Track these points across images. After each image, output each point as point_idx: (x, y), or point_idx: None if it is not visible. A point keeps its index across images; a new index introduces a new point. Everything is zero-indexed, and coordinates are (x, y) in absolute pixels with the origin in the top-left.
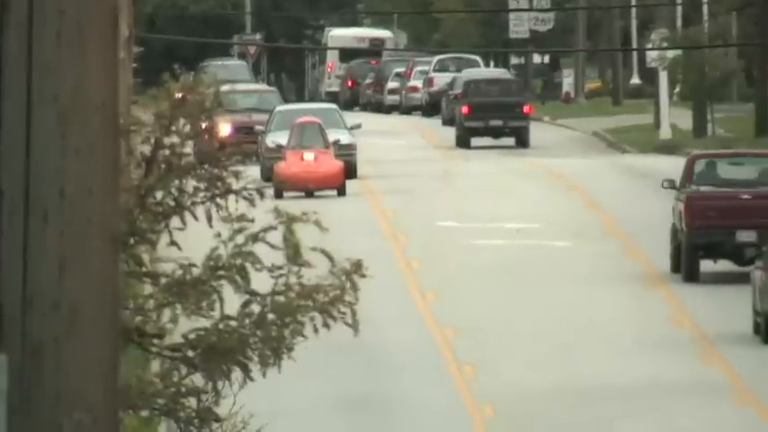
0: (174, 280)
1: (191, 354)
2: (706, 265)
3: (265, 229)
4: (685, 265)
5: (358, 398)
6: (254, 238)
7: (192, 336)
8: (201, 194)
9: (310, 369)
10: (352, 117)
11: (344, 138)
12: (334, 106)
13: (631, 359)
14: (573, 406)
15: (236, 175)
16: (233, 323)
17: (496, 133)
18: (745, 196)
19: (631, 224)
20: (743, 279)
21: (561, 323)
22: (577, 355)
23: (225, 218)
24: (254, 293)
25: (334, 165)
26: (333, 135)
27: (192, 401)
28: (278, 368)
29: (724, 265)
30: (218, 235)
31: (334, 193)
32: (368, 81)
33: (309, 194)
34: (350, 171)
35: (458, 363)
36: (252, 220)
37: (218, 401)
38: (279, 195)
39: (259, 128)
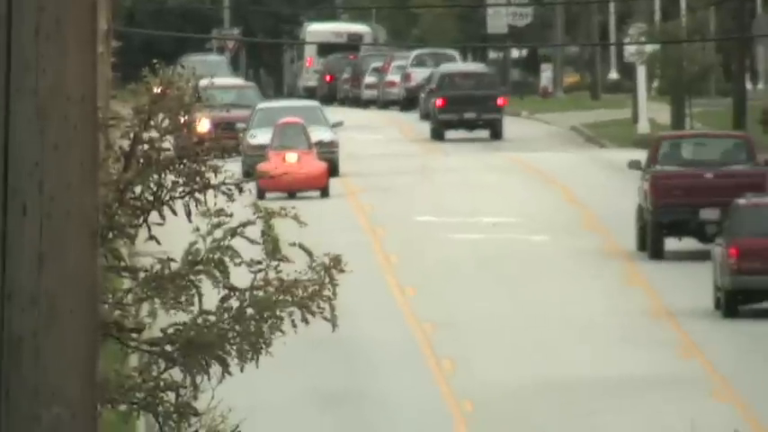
0: (152, 274)
1: (169, 348)
2: (671, 243)
3: (244, 224)
4: (651, 243)
5: (336, 393)
6: (233, 232)
7: (170, 330)
8: (180, 189)
9: (289, 364)
10: (332, 113)
11: (327, 135)
12: (316, 104)
13: (608, 353)
14: (551, 401)
15: (215, 170)
16: (212, 318)
17: (470, 126)
18: (709, 175)
19: (609, 219)
20: (707, 256)
21: (539, 318)
22: (555, 350)
23: (204, 213)
24: (232, 288)
25: (318, 165)
26: (315, 133)
27: (171, 396)
28: (256, 363)
29: (688, 243)
30: (197, 230)
31: (318, 194)
32: (345, 76)
33: (292, 195)
34: (332, 169)
35: (436, 357)
36: (231, 215)
37: (196, 396)
38: (261, 196)
39: (240, 125)
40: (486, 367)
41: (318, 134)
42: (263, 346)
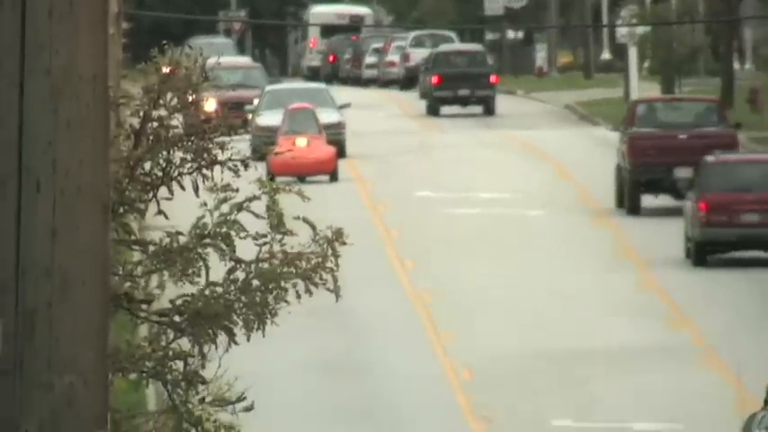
0: (161, 248)
1: (178, 319)
2: (647, 200)
3: (249, 199)
4: (628, 199)
5: (337, 361)
6: (239, 207)
7: (179, 301)
8: (188, 165)
9: (293, 333)
10: (337, 93)
11: (334, 117)
12: (323, 86)
13: (600, 323)
14: (547, 368)
15: (222, 146)
16: (219, 289)
17: (464, 102)
18: (682, 136)
19: (601, 193)
20: (681, 212)
21: (533, 289)
22: (549, 320)
23: (210, 188)
24: (238, 261)
25: (327, 150)
26: (322, 115)
27: (179, 365)
28: (262, 332)
29: (663, 200)
30: (204, 204)
31: (327, 178)
32: (347, 56)
33: (301, 179)
34: (339, 150)
35: (434, 327)
36: (236, 191)
37: (204, 365)
38: (271, 180)
39: (249, 107)
40: (482, 336)
41: (325, 116)
42: (269, 316)
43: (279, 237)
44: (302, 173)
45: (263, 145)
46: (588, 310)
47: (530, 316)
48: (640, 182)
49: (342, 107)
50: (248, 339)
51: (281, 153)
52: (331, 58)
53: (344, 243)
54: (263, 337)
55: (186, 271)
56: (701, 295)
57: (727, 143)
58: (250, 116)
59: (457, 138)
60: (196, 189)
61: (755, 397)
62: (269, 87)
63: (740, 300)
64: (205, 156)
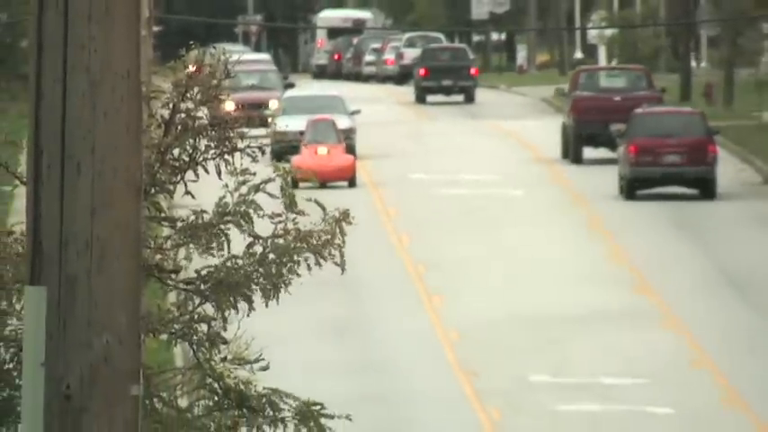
0: (188, 224)
1: (202, 287)
2: (588, 152)
3: (266, 182)
4: (572, 151)
5: (341, 324)
6: (256, 188)
7: (203, 272)
8: (212, 152)
9: (303, 300)
10: (335, 87)
11: (346, 123)
12: (337, 94)
13: (574, 289)
14: (527, 330)
15: (242, 136)
16: (239, 261)
17: (448, 91)
18: (617, 98)
19: (573, 174)
20: (615, 161)
21: (515, 259)
22: (529, 287)
23: (231, 172)
24: (256, 236)
25: (346, 159)
26: (336, 120)
27: (204, 327)
28: (276, 300)
29: (601, 153)
30: (226, 186)
31: (345, 184)
32: (349, 55)
33: (322, 185)
34: (350, 152)
35: (428, 293)
36: (254, 174)
37: (225, 327)
38: (295, 185)
39: (267, 111)
40: (469, 302)
41: (339, 122)
42: (283, 286)
43: (292, 216)
44: (323, 179)
45: (283, 150)
46: (563, 277)
47: (511, 283)
48: (582, 136)
49: (353, 113)
50: (266, 305)
51: (304, 160)
52: (336, 57)
53: (350, 223)
54: (278, 304)
55: (210, 245)
56: (630, 223)
57: (654, 104)
58: (270, 120)
59: (446, 126)
60: (219, 172)
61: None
62: (288, 94)
63: (662, 226)
64: (227, 143)
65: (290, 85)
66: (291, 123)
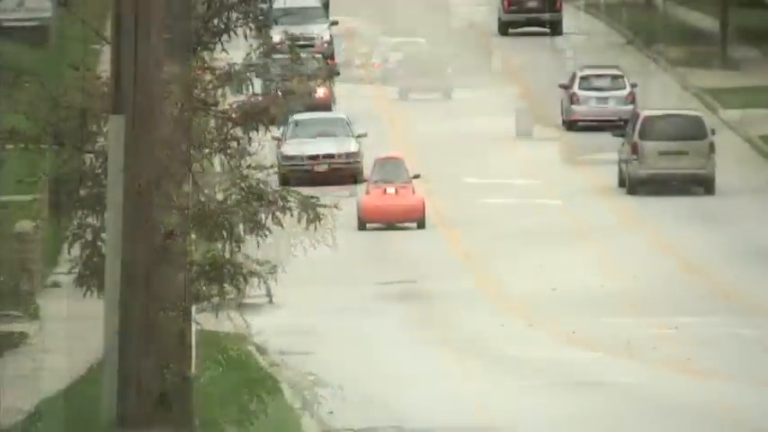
0: (224, 72)
1: (234, 115)
2: None
3: (278, 43)
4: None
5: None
6: (272, 48)
7: (234, 105)
8: (240, 21)
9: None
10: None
11: (351, 146)
12: (342, 116)
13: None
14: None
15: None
16: (260, 98)
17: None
18: None
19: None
20: None
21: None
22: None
23: (255, 36)
24: (271, 80)
25: (415, 199)
26: (339, 144)
27: (234, 143)
28: (285, 120)
29: None
30: (251, 46)
31: (414, 225)
32: None
33: (391, 226)
34: (355, 176)
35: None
36: (271, 38)
37: (250, 143)
38: (362, 227)
39: (275, 135)
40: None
41: (343, 145)
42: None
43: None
44: (392, 220)
45: (290, 173)
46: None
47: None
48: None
49: (359, 136)
50: (278, 127)
51: (372, 201)
52: None
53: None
54: (286, 124)
55: (240, 89)
56: None
57: None
58: (277, 143)
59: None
60: (246, 36)
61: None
62: (294, 117)
63: None
64: (251, 15)
65: (362, 135)
66: (298, 148)
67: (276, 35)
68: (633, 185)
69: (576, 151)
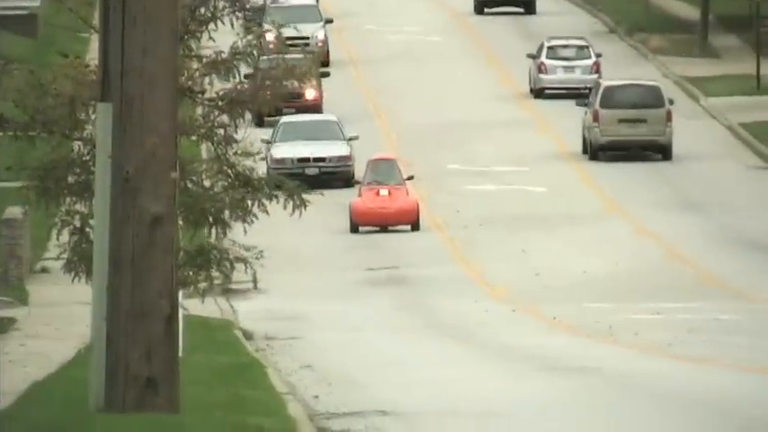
0: (211, 60)
1: (220, 103)
2: None
3: (265, 31)
4: None
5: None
6: (258, 36)
7: (221, 93)
8: (227, 10)
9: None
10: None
11: (342, 150)
12: (333, 118)
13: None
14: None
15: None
16: (246, 85)
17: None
18: None
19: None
20: None
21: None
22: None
23: (241, 24)
24: (258, 68)
25: (409, 201)
26: (330, 147)
27: (221, 131)
28: (272, 112)
29: None
30: (237, 34)
31: (408, 228)
32: None
33: (384, 229)
34: (347, 180)
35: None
36: (260, 24)
37: (236, 131)
38: (354, 230)
39: (264, 137)
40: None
41: (334, 148)
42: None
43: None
44: (384, 223)
45: (279, 176)
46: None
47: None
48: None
49: (350, 139)
50: (265, 115)
51: (364, 203)
52: None
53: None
54: (275, 115)
55: (227, 75)
56: None
57: None
58: (266, 146)
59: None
60: (232, 24)
61: None
62: (284, 120)
63: None
64: (237, 3)
65: (354, 138)
66: (287, 151)
67: (269, 34)
68: (594, 151)
69: (543, 118)
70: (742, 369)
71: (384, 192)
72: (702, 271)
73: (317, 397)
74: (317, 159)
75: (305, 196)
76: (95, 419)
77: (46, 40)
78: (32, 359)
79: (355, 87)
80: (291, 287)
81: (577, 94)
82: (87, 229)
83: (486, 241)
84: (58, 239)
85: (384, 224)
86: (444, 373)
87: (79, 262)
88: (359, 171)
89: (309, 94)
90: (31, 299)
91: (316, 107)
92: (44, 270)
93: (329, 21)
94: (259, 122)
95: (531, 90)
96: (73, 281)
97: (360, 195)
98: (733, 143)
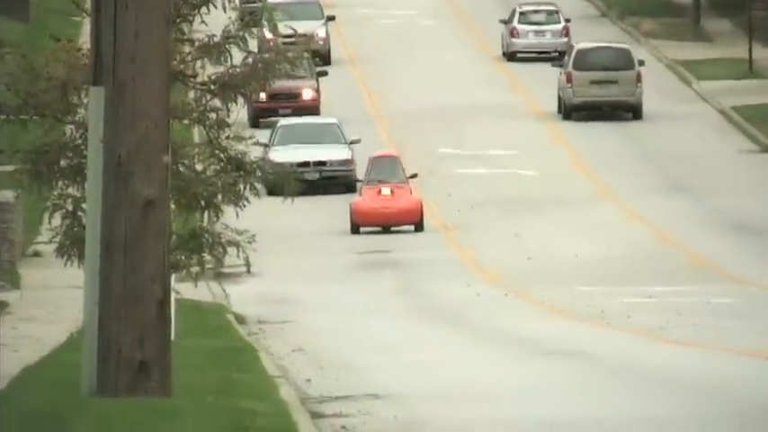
0: (203, 44)
1: (213, 87)
2: None
3: (257, 14)
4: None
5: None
6: (251, 19)
7: (213, 77)
8: None
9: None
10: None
11: (343, 153)
12: (334, 120)
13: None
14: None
15: None
16: (238, 69)
17: None
18: None
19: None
20: None
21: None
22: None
23: (234, 8)
24: (250, 52)
25: (412, 200)
26: (331, 151)
27: (213, 115)
28: (264, 89)
29: None
30: (230, 18)
31: (412, 228)
32: None
33: (386, 229)
34: (349, 185)
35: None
36: (255, 2)
37: (228, 115)
38: (355, 230)
39: (262, 140)
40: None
41: (335, 152)
42: (268, 85)
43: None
44: (387, 223)
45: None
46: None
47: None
48: None
49: (352, 143)
50: (258, 96)
51: (365, 203)
52: None
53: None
54: (264, 93)
55: (219, 58)
56: None
57: None
58: (264, 149)
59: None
60: (224, 8)
61: None
62: (282, 122)
63: None
64: None
65: (356, 141)
66: (286, 154)
67: (268, 32)
68: (568, 111)
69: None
70: (733, 352)
71: (386, 190)
72: (694, 254)
73: (309, 380)
74: (317, 163)
75: (304, 197)
76: (88, 403)
77: (38, 23)
78: (25, 343)
79: (355, 88)
80: (283, 270)
81: (548, 58)
82: (79, 213)
83: (479, 225)
84: (50, 223)
85: (386, 224)
86: (437, 357)
87: (71, 246)
88: (360, 174)
89: (307, 93)
90: (23, 282)
91: (313, 107)
92: (36, 254)
93: (331, 18)
94: (254, 123)
95: (504, 53)
96: (65, 265)
97: (361, 194)
98: (725, 127)
